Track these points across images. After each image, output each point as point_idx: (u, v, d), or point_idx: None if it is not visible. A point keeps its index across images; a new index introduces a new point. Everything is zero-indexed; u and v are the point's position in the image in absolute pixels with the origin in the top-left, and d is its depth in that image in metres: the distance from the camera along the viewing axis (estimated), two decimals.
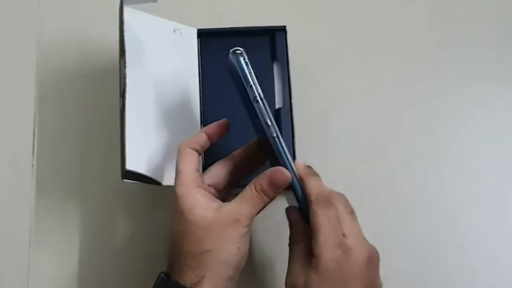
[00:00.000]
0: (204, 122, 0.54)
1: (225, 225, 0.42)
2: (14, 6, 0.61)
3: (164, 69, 0.52)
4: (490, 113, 0.59)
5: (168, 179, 0.47)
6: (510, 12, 0.62)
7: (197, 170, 0.45)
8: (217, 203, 0.43)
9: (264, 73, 0.55)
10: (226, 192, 0.48)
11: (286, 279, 0.43)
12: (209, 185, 0.46)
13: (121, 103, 0.46)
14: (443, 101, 0.59)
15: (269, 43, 0.56)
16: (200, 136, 0.46)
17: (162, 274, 0.43)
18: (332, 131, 0.57)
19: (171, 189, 0.47)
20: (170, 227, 0.44)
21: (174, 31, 0.54)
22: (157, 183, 0.46)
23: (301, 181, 0.43)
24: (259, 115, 0.43)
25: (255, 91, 0.43)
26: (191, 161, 0.44)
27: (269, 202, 0.44)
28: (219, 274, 0.41)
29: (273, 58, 0.56)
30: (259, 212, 0.43)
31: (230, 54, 0.42)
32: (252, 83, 0.43)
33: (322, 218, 0.41)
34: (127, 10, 0.47)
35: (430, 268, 0.54)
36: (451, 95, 0.59)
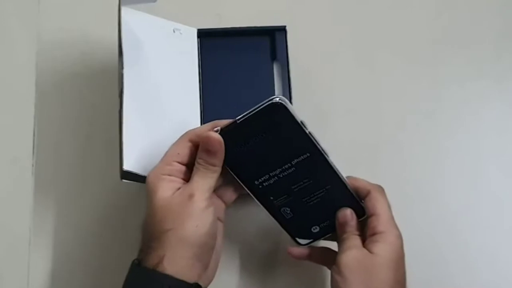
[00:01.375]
0: (204, 122, 0.54)
1: (180, 202, 0.43)
2: (14, 6, 0.61)
3: (163, 69, 0.52)
4: (490, 112, 0.59)
5: None
6: (510, 11, 0.61)
7: (178, 162, 0.45)
8: (176, 184, 0.44)
9: (264, 73, 0.55)
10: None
11: (340, 259, 0.45)
12: (177, 162, 0.45)
13: (119, 104, 0.46)
14: (443, 101, 0.59)
15: (269, 43, 0.56)
16: (205, 131, 0.45)
17: (135, 261, 0.44)
18: (332, 131, 0.57)
19: None
20: (146, 212, 0.45)
21: (174, 31, 0.54)
22: None
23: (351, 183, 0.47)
24: (317, 145, 0.44)
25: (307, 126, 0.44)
26: (178, 153, 0.45)
27: (219, 172, 0.44)
28: (178, 253, 0.42)
29: (273, 58, 0.56)
30: (216, 186, 0.45)
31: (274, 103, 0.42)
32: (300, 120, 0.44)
33: (384, 202, 0.46)
34: (126, 11, 0.47)
35: (430, 267, 0.54)
36: (451, 94, 0.59)
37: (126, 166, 0.44)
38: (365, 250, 0.44)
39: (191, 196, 0.43)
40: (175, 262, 0.42)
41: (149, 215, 0.43)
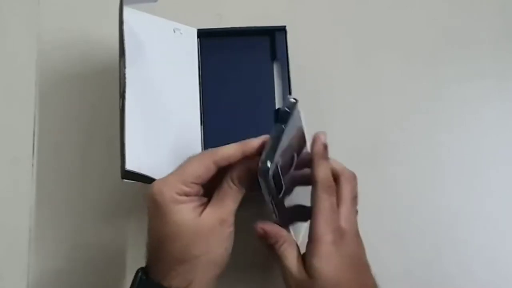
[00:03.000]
0: (204, 122, 0.54)
1: (211, 228, 0.41)
2: (14, 6, 0.61)
3: (164, 69, 0.52)
4: (490, 112, 0.59)
5: None
6: (510, 11, 0.61)
7: (196, 183, 0.42)
8: (201, 203, 0.42)
9: (264, 73, 0.55)
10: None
11: (284, 275, 0.44)
12: (195, 183, 0.43)
13: (121, 103, 0.46)
14: (443, 100, 0.59)
15: (269, 43, 0.56)
16: (235, 154, 0.43)
17: (140, 273, 0.43)
18: (332, 131, 0.57)
19: None
20: (151, 225, 0.43)
21: (174, 31, 0.54)
22: None
23: (311, 160, 0.44)
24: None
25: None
26: (200, 175, 0.42)
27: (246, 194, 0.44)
28: (207, 276, 0.42)
29: (273, 58, 0.56)
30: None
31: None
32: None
33: (325, 203, 0.43)
34: (127, 10, 0.48)
35: (429, 268, 0.54)
36: (451, 94, 0.59)
37: (129, 166, 0.44)
38: (303, 274, 0.43)
39: (223, 221, 0.42)
40: (203, 284, 0.42)
41: (169, 236, 0.41)
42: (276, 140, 0.41)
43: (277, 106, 0.54)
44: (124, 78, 0.46)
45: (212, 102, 0.54)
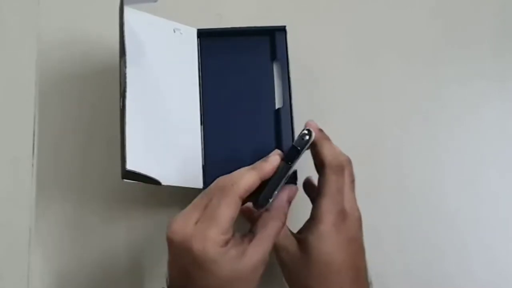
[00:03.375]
0: (204, 122, 0.54)
1: (255, 269, 0.41)
2: (14, 6, 0.61)
3: (164, 69, 0.52)
4: (490, 112, 0.59)
5: (168, 179, 0.47)
6: (510, 11, 0.62)
7: (232, 225, 0.41)
8: (240, 243, 0.41)
9: (264, 73, 0.55)
10: None
11: (277, 248, 0.44)
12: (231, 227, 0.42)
13: (121, 103, 0.46)
14: (443, 101, 0.59)
15: (269, 43, 0.56)
16: (255, 184, 0.42)
17: None
18: (332, 131, 0.57)
19: (171, 189, 0.48)
20: (191, 279, 0.40)
21: (174, 31, 0.54)
22: (157, 182, 0.46)
23: (315, 144, 0.45)
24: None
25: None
26: (233, 218, 0.41)
27: None
28: None
29: (273, 58, 0.56)
30: None
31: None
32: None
33: (332, 184, 0.44)
34: (127, 10, 0.47)
35: (430, 267, 0.54)
36: (451, 94, 0.59)
37: (129, 166, 0.44)
38: (296, 248, 0.44)
39: (264, 263, 0.41)
40: None
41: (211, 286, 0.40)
42: (279, 179, 0.43)
43: (277, 106, 0.54)
44: (125, 78, 0.46)
45: (212, 102, 0.54)
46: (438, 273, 0.55)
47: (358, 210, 0.45)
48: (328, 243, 0.43)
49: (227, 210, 0.40)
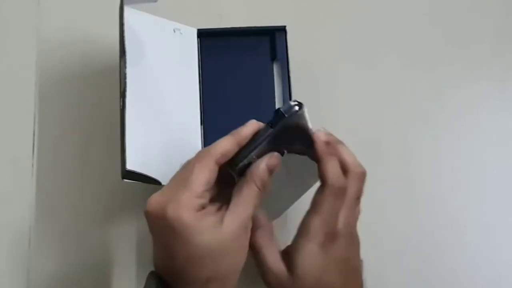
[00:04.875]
0: (204, 122, 0.54)
1: (236, 237, 0.39)
2: (14, 6, 0.61)
3: (164, 69, 0.52)
4: (490, 112, 0.59)
5: (168, 179, 0.47)
6: (510, 11, 0.62)
7: (208, 190, 0.40)
8: (218, 212, 0.40)
9: (264, 73, 0.55)
10: None
11: (262, 267, 0.43)
12: (207, 191, 0.40)
13: (121, 103, 0.46)
14: (443, 101, 0.59)
15: (269, 43, 0.56)
16: (232, 148, 0.41)
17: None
18: (332, 131, 0.57)
19: None
20: (170, 250, 0.39)
21: (174, 31, 0.54)
22: (157, 182, 0.46)
23: (319, 159, 0.42)
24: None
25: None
26: (209, 181, 0.39)
27: None
28: (233, 283, 0.40)
29: (273, 58, 0.56)
30: None
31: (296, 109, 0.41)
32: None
33: (327, 205, 0.41)
34: (127, 10, 0.47)
35: (431, 266, 0.54)
36: (451, 94, 0.59)
37: (129, 166, 0.44)
38: (282, 269, 0.42)
39: (246, 228, 0.40)
40: None
41: (196, 261, 0.38)
42: (258, 141, 0.41)
43: (277, 106, 0.54)
44: (125, 78, 0.46)
45: (212, 102, 0.54)
46: (438, 273, 0.55)
47: (354, 227, 0.43)
48: (316, 263, 0.41)
49: (200, 173, 0.39)
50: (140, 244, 0.55)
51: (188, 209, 0.38)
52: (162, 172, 0.47)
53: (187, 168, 0.40)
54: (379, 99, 0.59)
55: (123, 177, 0.45)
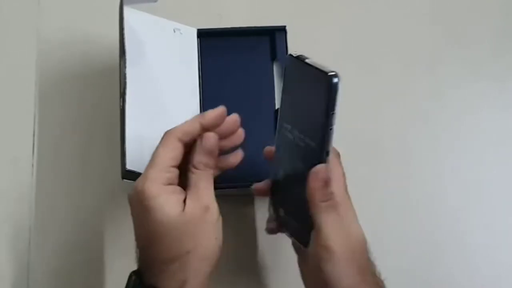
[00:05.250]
0: None
1: (196, 218, 0.40)
2: (14, 6, 0.61)
3: (164, 69, 0.52)
4: (490, 112, 0.59)
5: None
6: (510, 11, 0.62)
7: (174, 166, 0.41)
8: (180, 195, 0.41)
9: (264, 73, 0.55)
10: None
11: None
12: (173, 166, 0.42)
13: (121, 103, 0.46)
14: (443, 101, 0.59)
15: (269, 43, 0.56)
16: (193, 127, 0.42)
17: (133, 277, 0.41)
18: None
19: None
20: (136, 226, 0.41)
21: (174, 31, 0.54)
22: None
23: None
24: (323, 143, 0.41)
25: (334, 120, 0.41)
26: (172, 157, 0.41)
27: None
28: (200, 274, 0.40)
29: (273, 58, 0.56)
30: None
31: (329, 76, 0.41)
32: (335, 111, 0.41)
33: (338, 170, 0.43)
34: (127, 10, 0.48)
35: (431, 265, 0.54)
36: (451, 94, 0.59)
37: (129, 166, 0.44)
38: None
39: (207, 209, 0.40)
40: (197, 284, 0.39)
41: (155, 235, 0.39)
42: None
43: (277, 106, 0.54)
44: (125, 78, 0.46)
45: (212, 102, 0.54)
46: (438, 273, 0.55)
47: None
48: (338, 227, 0.41)
49: (163, 150, 0.41)
50: None
51: (154, 181, 0.39)
52: None
53: (154, 150, 0.42)
54: (379, 99, 0.59)
55: (123, 177, 0.45)
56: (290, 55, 0.43)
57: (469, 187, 0.57)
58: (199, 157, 0.42)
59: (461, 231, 0.56)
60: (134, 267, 0.54)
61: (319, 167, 0.40)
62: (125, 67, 0.46)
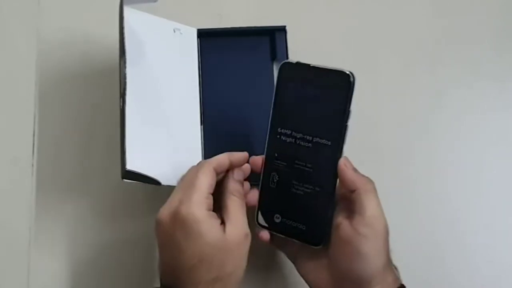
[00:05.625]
0: (204, 122, 0.54)
1: (239, 243, 0.43)
2: (14, 6, 0.61)
3: (164, 69, 0.52)
4: (489, 112, 0.59)
5: (168, 179, 0.47)
6: (510, 11, 0.62)
7: (210, 193, 0.44)
8: (218, 220, 0.43)
9: (264, 73, 0.55)
10: None
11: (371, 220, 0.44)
12: (211, 194, 0.44)
13: (121, 103, 0.46)
14: (443, 101, 0.59)
15: (269, 43, 0.56)
16: (225, 161, 0.45)
17: None
18: None
19: (171, 189, 0.47)
20: (183, 247, 0.42)
21: (174, 31, 0.54)
22: (157, 182, 0.46)
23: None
24: (341, 139, 0.45)
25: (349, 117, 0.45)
26: (211, 184, 0.44)
27: None
28: (236, 286, 0.43)
29: (273, 58, 0.56)
30: None
31: (348, 75, 0.44)
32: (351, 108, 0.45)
33: (371, 200, 0.45)
34: (127, 10, 0.47)
35: (431, 265, 0.54)
36: (451, 94, 0.59)
37: (129, 166, 0.44)
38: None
39: (247, 236, 0.43)
40: None
41: (208, 256, 0.41)
42: None
43: None
44: (124, 78, 0.46)
45: (212, 102, 0.54)
46: (438, 273, 0.55)
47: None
48: (377, 203, 0.45)
49: (204, 177, 0.43)
50: (140, 243, 0.55)
51: (200, 206, 0.42)
52: (162, 172, 0.47)
53: (191, 175, 0.44)
54: (379, 99, 0.59)
55: (123, 177, 0.45)
56: (288, 62, 0.46)
57: (469, 187, 0.57)
58: (236, 186, 0.45)
59: (461, 231, 0.56)
60: (134, 265, 0.54)
61: (344, 159, 0.45)
62: (125, 67, 0.46)
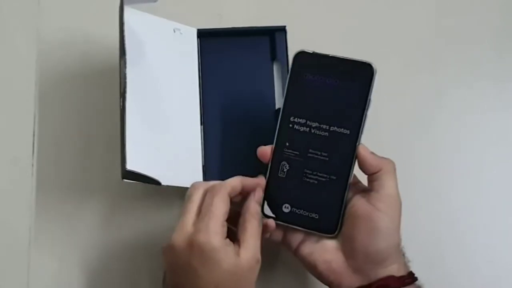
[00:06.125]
0: (204, 122, 0.54)
1: (251, 268, 0.43)
2: (14, 6, 0.61)
3: (164, 69, 0.52)
4: (489, 112, 0.59)
5: (168, 179, 0.47)
6: (510, 11, 0.61)
7: (226, 220, 0.44)
8: (231, 246, 0.43)
9: (264, 73, 0.55)
10: None
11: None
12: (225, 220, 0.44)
13: (121, 103, 0.46)
14: (443, 101, 0.59)
15: (269, 43, 0.56)
16: (238, 186, 0.45)
17: None
18: None
19: (172, 189, 0.48)
20: (201, 274, 0.42)
21: (174, 31, 0.54)
22: (157, 183, 0.46)
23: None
24: (360, 127, 0.46)
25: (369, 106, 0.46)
26: (226, 211, 0.43)
27: None
28: None
29: (273, 58, 0.56)
30: None
31: (370, 65, 0.46)
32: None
33: (391, 182, 0.47)
34: (127, 10, 0.47)
35: (431, 265, 0.54)
36: (451, 94, 0.59)
37: (129, 166, 0.44)
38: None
39: (258, 261, 0.43)
40: None
41: (225, 282, 0.42)
42: None
43: (277, 106, 0.54)
44: (125, 78, 0.46)
45: (212, 102, 0.54)
46: (438, 273, 0.55)
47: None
48: (395, 184, 0.47)
49: (221, 205, 0.43)
50: (140, 243, 0.55)
51: (217, 235, 0.42)
52: (162, 172, 0.47)
53: (206, 201, 0.43)
54: (379, 99, 0.59)
55: (123, 177, 0.45)
56: (304, 52, 0.46)
57: (469, 187, 0.57)
58: (257, 208, 0.45)
59: (461, 231, 0.56)
60: (134, 265, 0.54)
61: (362, 145, 0.46)
62: (125, 67, 0.46)
